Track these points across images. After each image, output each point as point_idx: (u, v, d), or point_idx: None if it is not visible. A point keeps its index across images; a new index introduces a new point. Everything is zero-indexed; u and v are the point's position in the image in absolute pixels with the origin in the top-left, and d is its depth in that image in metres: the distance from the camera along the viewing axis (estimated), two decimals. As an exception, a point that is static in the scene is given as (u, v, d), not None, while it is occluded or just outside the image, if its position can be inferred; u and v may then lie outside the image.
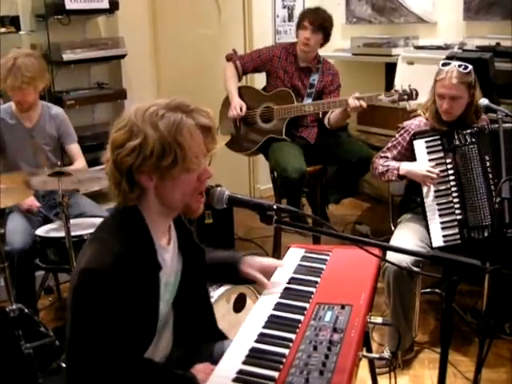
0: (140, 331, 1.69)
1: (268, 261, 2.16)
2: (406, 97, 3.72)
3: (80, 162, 3.65)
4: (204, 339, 2.07)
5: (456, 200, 3.06)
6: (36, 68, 3.30)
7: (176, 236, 1.90)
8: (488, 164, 3.02)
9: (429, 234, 3.07)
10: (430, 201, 3.10)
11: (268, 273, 2.08)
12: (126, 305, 1.60)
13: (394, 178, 3.21)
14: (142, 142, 1.58)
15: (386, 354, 3.13)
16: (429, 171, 3.06)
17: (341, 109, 3.98)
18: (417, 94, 3.68)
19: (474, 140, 3.05)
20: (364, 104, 3.79)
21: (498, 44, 4.16)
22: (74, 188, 3.06)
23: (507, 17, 4.35)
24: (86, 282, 1.59)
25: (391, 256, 2.62)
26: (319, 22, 4.08)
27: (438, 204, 3.09)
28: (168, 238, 1.84)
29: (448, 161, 3.09)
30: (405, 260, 2.78)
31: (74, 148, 3.69)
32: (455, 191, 3.07)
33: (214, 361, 1.72)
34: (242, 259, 2.11)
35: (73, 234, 3.02)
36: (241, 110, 4.23)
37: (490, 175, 3.02)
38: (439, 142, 3.12)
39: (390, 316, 3.11)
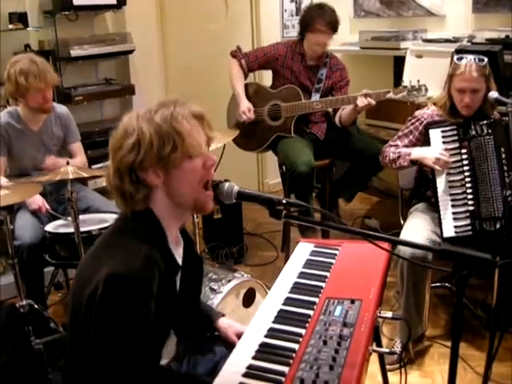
0: (159, 331, 1.69)
1: (239, 326, 2.12)
2: (415, 93, 3.70)
3: (80, 158, 3.66)
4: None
5: (469, 191, 3.05)
6: (52, 69, 3.36)
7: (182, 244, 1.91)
8: (503, 156, 3.01)
9: (440, 223, 3.06)
10: (443, 191, 3.09)
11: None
12: (152, 307, 1.58)
13: (406, 164, 3.21)
14: (139, 136, 1.59)
15: (397, 348, 3.14)
16: (441, 154, 3.06)
17: (350, 107, 3.97)
18: (426, 90, 3.66)
19: (490, 131, 3.04)
20: (373, 102, 3.79)
21: (507, 37, 4.13)
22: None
23: (516, 9, 4.32)
24: (116, 287, 1.53)
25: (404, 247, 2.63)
26: (335, 24, 4.05)
27: (450, 194, 3.08)
28: (179, 241, 1.85)
29: (463, 151, 3.08)
30: (419, 250, 2.79)
31: (76, 146, 3.70)
32: (469, 182, 3.06)
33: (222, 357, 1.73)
34: (220, 318, 2.13)
35: (82, 229, 3.04)
36: (249, 111, 4.21)
37: (505, 167, 3.00)
38: (455, 132, 3.11)
39: (401, 306, 3.10)
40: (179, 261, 1.80)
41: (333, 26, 4.04)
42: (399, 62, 4.92)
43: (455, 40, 4.49)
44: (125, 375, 1.54)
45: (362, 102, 3.80)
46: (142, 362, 1.58)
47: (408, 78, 3.82)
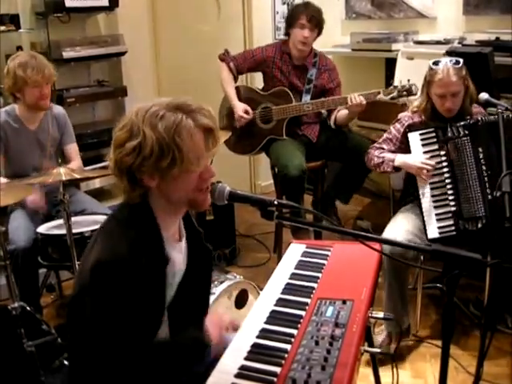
0: (147, 322, 1.69)
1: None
2: (405, 93, 3.73)
3: (77, 162, 3.66)
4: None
5: (450, 192, 3.08)
6: (52, 67, 3.39)
7: (185, 236, 1.91)
8: (481, 156, 3.03)
9: (424, 226, 3.08)
10: (425, 193, 3.12)
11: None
12: (138, 295, 1.61)
13: (389, 170, 3.24)
14: (142, 142, 1.59)
15: (383, 334, 3.19)
16: (423, 163, 3.08)
17: (345, 112, 3.98)
18: (416, 89, 3.68)
19: (466, 132, 3.06)
20: (363, 99, 3.78)
21: (497, 38, 4.16)
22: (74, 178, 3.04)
23: (507, 11, 4.34)
24: (103, 274, 1.58)
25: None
26: (317, 19, 4.04)
27: (432, 196, 3.10)
28: (179, 236, 1.85)
29: (442, 153, 3.11)
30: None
31: (73, 148, 3.69)
32: (449, 183, 3.08)
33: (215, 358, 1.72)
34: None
35: (74, 231, 3.03)
36: (247, 113, 4.20)
37: (484, 167, 3.02)
38: (434, 135, 3.13)
39: (385, 299, 3.14)
40: (176, 256, 1.80)
41: (315, 21, 4.03)
42: (390, 64, 4.93)
43: (446, 42, 4.51)
44: (109, 365, 1.58)
45: (354, 99, 3.79)
46: (129, 351, 1.60)
47: (399, 79, 3.84)
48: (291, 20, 4.14)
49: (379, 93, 3.83)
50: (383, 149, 3.32)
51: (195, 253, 1.93)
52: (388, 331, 3.20)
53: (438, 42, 4.58)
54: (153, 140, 1.58)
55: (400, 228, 3.11)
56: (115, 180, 1.71)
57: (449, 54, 3.92)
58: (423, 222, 3.09)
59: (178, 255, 1.82)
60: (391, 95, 3.76)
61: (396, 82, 3.81)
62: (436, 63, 3.08)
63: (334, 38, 5.30)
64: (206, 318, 2.05)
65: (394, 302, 3.11)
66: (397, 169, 3.22)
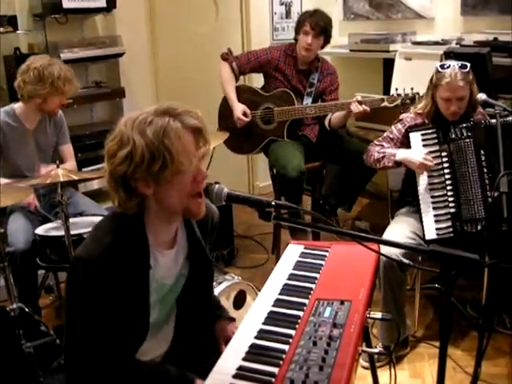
0: (130, 326, 1.71)
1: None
2: (408, 101, 3.72)
3: (71, 163, 3.67)
4: (203, 342, 2.08)
5: (450, 193, 3.08)
6: None
7: (187, 244, 1.92)
8: (483, 158, 3.03)
9: (422, 226, 3.08)
10: (424, 193, 3.12)
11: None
12: (113, 297, 1.64)
13: (390, 165, 3.23)
14: (132, 149, 1.61)
15: (379, 348, 3.15)
16: (425, 158, 3.08)
17: (343, 113, 3.98)
18: (419, 97, 3.66)
19: (469, 134, 3.06)
20: (367, 109, 3.80)
21: (495, 39, 4.17)
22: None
23: (505, 11, 4.35)
24: (74, 270, 1.66)
25: (382, 248, 2.65)
26: (321, 27, 4.03)
27: (432, 197, 3.10)
28: (171, 243, 1.86)
29: (443, 154, 3.11)
30: (395, 252, 2.80)
31: (68, 148, 3.71)
32: (449, 184, 3.08)
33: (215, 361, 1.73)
34: (222, 321, 2.14)
35: (72, 232, 3.03)
36: (245, 114, 4.19)
37: (485, 169, 3.03)
38: (435, 135, 3.13)
39: (381, 307, 3.12)
40: (164, 262, 1.82)
41: (319, 29, 4.03)
42: (388, 65, 4.94)
43: (444, 42, 4.52)
44: (77, 360, 1.67)
45: (356, 108, 3.81)
46: (101, 347, 1.64)
47: (397, 80, 3.85)
48: (297, 26, 4.17)
49: (383, 100, 3.83)
50: (383, 146, 3.32)
51: (196, 260, 1.95)
52: (384, 345, 3.17)
53: (436, 43, 4.59)
54: (142, 146, 1.60)
55: (399, 233, 3.10)
56: (111, 192, 1.73)
57: (447, 54, 3.93)
58: (421, 222, 3.09)
59: (168, 262, 1.85)
60: (395, 103, 3.77)
61: (395, 85, 3.80)
62: (443, 67, 3.05)
63: (333, 38, 5.25)
64: (220, 326, 2.11)
65: (390, 311, 3.06)
66: (398, 164, 3.21)
